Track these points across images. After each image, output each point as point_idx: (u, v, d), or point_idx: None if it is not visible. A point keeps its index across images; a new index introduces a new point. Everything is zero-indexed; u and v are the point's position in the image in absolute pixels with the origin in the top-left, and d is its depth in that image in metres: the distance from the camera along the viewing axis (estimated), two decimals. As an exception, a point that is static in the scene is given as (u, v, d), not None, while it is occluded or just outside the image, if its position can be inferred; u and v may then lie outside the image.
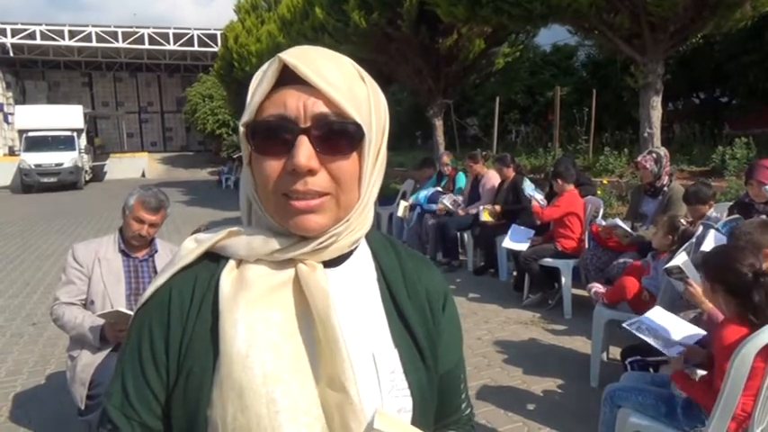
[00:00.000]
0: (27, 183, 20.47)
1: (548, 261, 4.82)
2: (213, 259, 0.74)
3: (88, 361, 2.42)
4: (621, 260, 4.14)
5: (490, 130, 11.88)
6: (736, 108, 11.08)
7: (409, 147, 17.04)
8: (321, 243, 0.71)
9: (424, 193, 7.12)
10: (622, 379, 2.56)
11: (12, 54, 27.49)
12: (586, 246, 4.67)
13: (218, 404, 0.67)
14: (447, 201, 6.57)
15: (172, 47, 29.37)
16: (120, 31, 28.75)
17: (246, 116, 0.70)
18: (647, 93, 6.63)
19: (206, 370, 0.69)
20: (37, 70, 31.37)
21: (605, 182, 7.31)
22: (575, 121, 9.54)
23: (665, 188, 4.44)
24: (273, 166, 0.68)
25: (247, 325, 0.68)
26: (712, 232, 2.98)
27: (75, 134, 21.84)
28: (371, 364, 0.73)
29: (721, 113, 10.80)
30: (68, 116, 22.39)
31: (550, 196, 5.34)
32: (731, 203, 3.98)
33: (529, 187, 5.59)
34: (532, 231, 5.17)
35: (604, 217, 5.10)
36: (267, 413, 0.65)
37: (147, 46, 29.06)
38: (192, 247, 0.75)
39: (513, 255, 5.37)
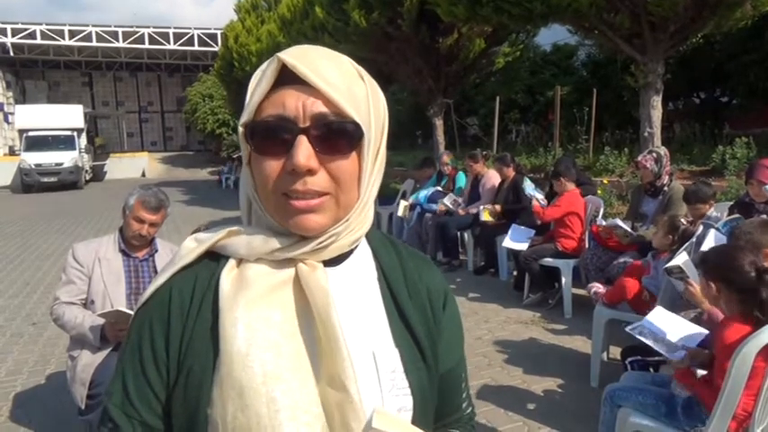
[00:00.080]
0: (27, 182, 20.47)
1: (548, 261, 4.82)
2: (213, 258, 0.74)
3: (88, 361, 2.42)
4: (622, 260, 4.14)
5: (490, 130, 11.89)
6: (736, 107, 11.08)
7: (409, 146, 17.04)
8: (321, 242, 0.71)
9: (423, 193, 7.13)
10: (622, 379, 2.56)
11: (12, 54, 27.49)
12: (587, 245, 4.67)
13: (218, 403, 0.67)
14: (447, 200, 6.57)
15: (172, 46, 29.36)
16: (120, 30, 28.75)
17: (245, 116, 0.70)
18: (648, 92, 6.63)
19: (206, 369, 0.69)
20: (37, 70, 31.37)
21: (605, 181, 7.31)
22: (575, 121, 9.54)
23: (666, 188, 4.44)
24: (273, 165, 0.68)
25: (247, 324, 0.68)
26: (712, 232, 2.98)
27: (75, 134, 21.84)
28: (372, 363, 0.73)
29: (721, 113, 10.81)
30: (68, 116, 22.38)
31: (551, 196, 5.34)
32: (731, 203, 3.98)
33: (529, 187, 5.59)
34: (533, 231, 5.17)
35: (605, 217, 5.11)
36: (267, 412, 0.65)
37: (147, 45, 29.05)
38: (192, 247, 0.75)
39: (514, 254, 5.37)
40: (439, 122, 10.67)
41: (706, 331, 2.29)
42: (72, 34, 28.11)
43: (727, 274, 2.01)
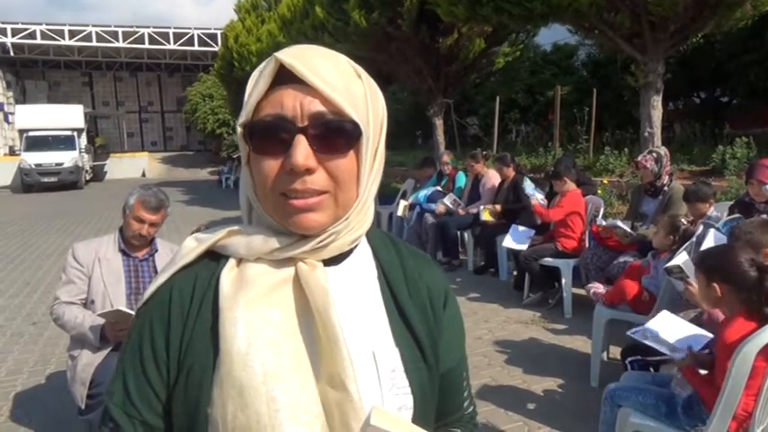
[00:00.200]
0: (27, 182, 20.48)
1: (548, 260, 4.82)
2: (214, 258, 0.74)
3: (88, 360, 2.42)
4: (622, 259, 4.14)
5: (490, 130, 11.89)
6: (736, 107, 11.08)
7: (409, 146, 17.04)
8: (321, 242, 0.71)
9: (423, 193, 7.12)
10: (623, 378, 2.55)
11: (12, 54, 27.50)
12: (587, 245, 4.67)
13: (218, 402, 0.67)
14: (447, 200, 6.57)
15: (172, 46, 29.36)
16: (120, 30, 28.75)
17: (243, 116, 0.70)
18: (648, 92, 6.63)
19: (206, 368, 0.69)
20: (37, 70, 31.37)
21: (606, 181, 7.31)
22: (575, 121, 9.54)
23: (666, 188, 4.44)
24: (272, 165, 0.68)
25: (247, 323, 0.68)
26: (712, 231, 2.98)
27: (75, 134, 21.85)
28: (372, 362, 0.73)
29: (722, 113, 10.80)
30: (69, 116, 22.39)
31: (551, 196, 5.34)
32: (731, 203, 3.98)
33: (529, 187, 5.59)
34: (533, 231, 5.17)
35: (605, 217, 5.11)
36: (267, 411, 0.65)
37: (147, 45, 29.06)
38: (192, 246, 0.75)
39: (514, 254, 5.37)
40: (439, 122, 10.67)
41: (710, 335, 2.28)
42: (72, 34, 28.11)
43: (729, 273, 2.01)
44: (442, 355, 0.81)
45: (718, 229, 3.05)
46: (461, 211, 6.44)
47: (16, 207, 15.45)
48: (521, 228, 5.20)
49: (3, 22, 27.03)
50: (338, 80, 0.68)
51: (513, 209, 5.78)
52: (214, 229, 0.77)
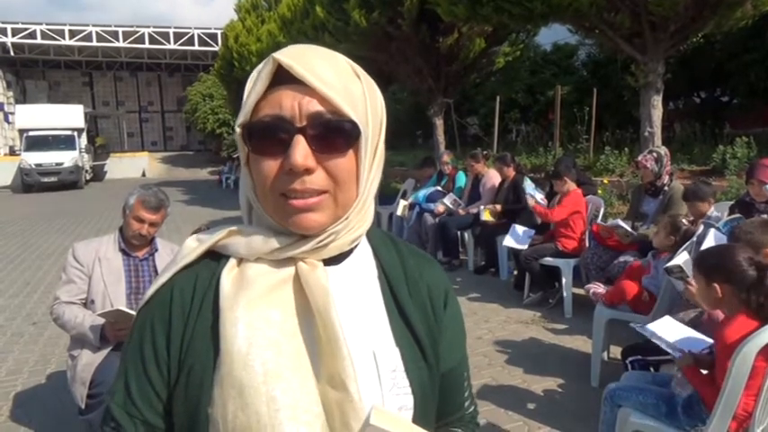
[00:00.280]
0: (27, 182, 20.49)
1: (548, 260, 4.82)
2: (214, 258, 0.75)
3: (89, 360, 2.42)
4: (622, 259, 4.14)
5: (491, 130, 11.88)
6: (736, 107, 11.07)
7: (410, 146, 17.03)
8: (321, 241, 0.71)
9: (422, 192, 7.12)
10: (623, 378, 2.55)
11: (12, 53, 27.51)
12: (587, 245, 4.67)
13: (218, 402, 0.67)
14: (447, 200, 6.57)
15: (172, 46, 29.37)
16: (120, 30, 28.76)
17: (242, 117, 0.70)
18: (648, 92, 6.62)
19: (207, 368, 0.69)
20: (37, 70, 31.38)
21: (606, 181, 7.31)
22: (575, 121, 9.53)
23: (666, 187, 4.44)
24: (271, 166, 0.68)
25: (248, 323, 0.68)
26: (713, 231, 2.98)
27: (75, 134, 21.86)
28: (372, 361, 0.73)
29: (722, 112, 10.79)
30: (69, 116, 22.40)
31: (551, 196, 5.34)
32: (732, 203, 3.98)
33: (529, 186, 5.59)
34: (533, 231, 5.17)
35: (605, 217, 5.10)
36: (267, 411, 0.65)
37: (147, 45, 29.06)
38: (193, 246, 0.76)
39: (514, 254, 5.37)
40: (439, 122, 10.67)
41: (710, 340, 2.27)
42: (72, 34, 28.12)
43: (730, 274, 2.01)
44: (443, 355, 0.81)
45: (718, 228, 3.05)
46: (461, 211, 6.44)
47: (16, 207, 15.45)
48: (521, 228, 5.20)
49: (3, 22, 27.04)
50: (336, 80, 0.68)
51: (514, 209, 5.78)
52: (215, 229, 0.77)
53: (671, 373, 2.39)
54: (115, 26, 28.99)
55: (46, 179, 20.29)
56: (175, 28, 29.52)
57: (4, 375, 3.78)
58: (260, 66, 0.70)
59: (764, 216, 3.24)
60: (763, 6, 6.36)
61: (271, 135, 0.68)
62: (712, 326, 2.35)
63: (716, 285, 2.04)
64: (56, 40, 27.82)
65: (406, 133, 17.65)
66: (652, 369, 2.71)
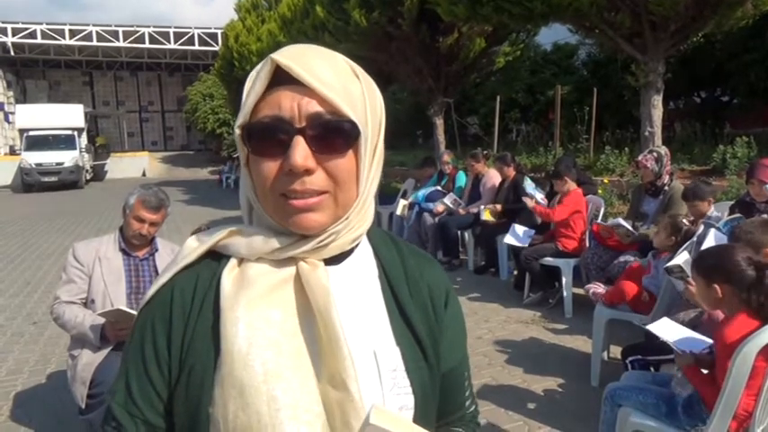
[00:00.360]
0: (28, 182, 20.50)
1: (548, 260, 4.82)
2: (215, 258, 0.75)
3: (89, 360, 2.42)
4: (622, 259, 4.13)
5: (491, 129, 11.88)
6: (736, 107, 11.07)
7: (410, 146, 17.03)
8: (321, 241, 0.71)
9: (422, 192, 7.12)
10: (623, 378, 2.55)
11: (12, 53, 27.52)
12: (587, 245, 4.67)
13: (219, 402, 0.67)
14: (447, 200, 6.57)
15: (172, 46, 29.37)
16: (120, 30, 28.77)
17: (241, 118, 0.70)
18: (648, 91, 6.62)
19: (207, 368, 0.69)
20: (38, 69, 31.38)
21: (606, 181, 7.30)
22: (575, 120, 9.52)
23: (666, 187, 4.44)
24: (270, 166, 0.68)
25: (248, 323, 0.68)
26: (713, 231, 2.98)
27: (75, 133, 21.87)
28: (373, 361, 0.73)
29: (722, 112, 10.79)
30: (69, 115, 22.40)
31: (551, 195, 5.34)
32: (732, 203, 3.97)
33: (530, 186, 5.58)
34: (533, 231, 5.18)
35: (605, 216, 5.10)
36: (268, 411, 0.65)
37: (147, 45, 29.07)
38: (194, 246, 0.76)
39: (514, 254, 5.37)
40: (439, 122, 10.67)
41: (709, 340, 2.27)
42: (72, 34, 28.13)
43: (729, 275, 2.01)
44: (444, 355, 0.81)
45: (718, 228, 3.05)
46: (462, 211, 6.44)
47: (16, 207, 15.46)
48: (521, 228, 5.20)
49: (3, 22, 27.05)
50: (335, 80, 0.68)
51: (514, 208, 5.78)
52: (215, 229, 0.77)
53: (671, 373, 2.39)
54: (115, 26, 29.01)
55: (46, 179, 20.29)
56: (176, 28, 29.53)
57: (4, 375, 3.78)
58: (258, 66, 0.70)
59: (765, 216, 3.24)
60: (764, 6, 6.37)
61: (270, 136, 0.68)
62: (712, 326, 2.34)
63: (716, 286, 2.04)
64: (56, 39, 27.83)
65: (406, 133, 17.65)
66: (652, 369, 2.72)
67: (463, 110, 14.45)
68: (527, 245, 5.04)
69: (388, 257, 0.81)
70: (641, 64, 6.59)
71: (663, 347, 2.35)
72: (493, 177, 6.41)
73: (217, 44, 25.91)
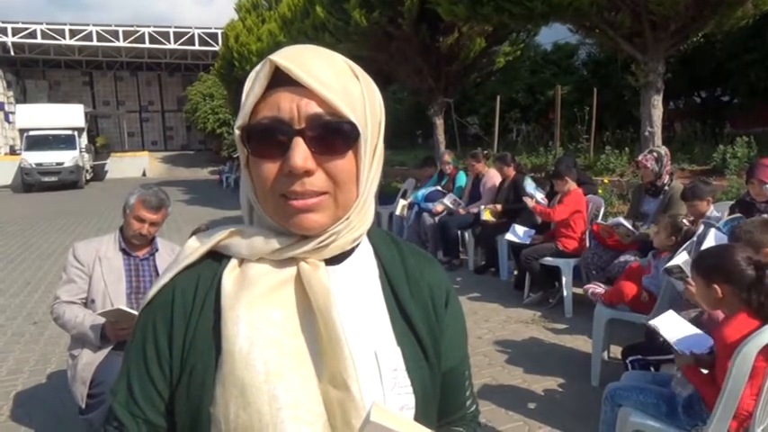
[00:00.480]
0: (28, 182, 20.51)
1: (548, 260, 4.82)
2: (216, 258, 0.75)
3: (89, 360, 2.42)
4: (622, 259, 4.13)
5: (491, 129, 11.87)
6: (737, 107, 11.06)
7: (410, 146, 17.03)
8: (322, 241, 0.71)
9: (421, 192, 7.13)
10: (623, 378, 2.55)
11: (12, 53, 27.52)
12: (587, 245, 4.67)
13: (220, 401, 0.67)
14: (447, 200, 6.58)
15: (172, 46, 29.37)
16: (120, 30, 28.77)
17: (241, 119, 0.70)
18: (648, 91, 6.62)
19: (208, 368, 0.69)
20: (38, 69, 31.38)
21: (606, 181, 7.30)
22: (575, 120, 9.52)
23: (666, 187, 4.44)
24: (270, 168, 0.68)
25: (249, 323, 0.68)
26: (713, 231, 2.97)
27: (75, 133, 21.88)
28: (374, 361, 0.73)
29: (722, 112, 10.79)
30: (69, 115, 22.41)
31: (551, 195, 5.34)
32: (732, 202, 3.97)
33: (530, 186, 5.58)
34: (533, 231, 5.18)
35: (605, 216, 5.10)
36: (269, 410, 0.66)
37: (147, 45, 29.06)
38: (195, 247, 0.76)
39: (514, 253, 5.37)
40: (439, 122, 10.67)
41: (711, 340, 2.27)
42: (72, 34, 28.12)
43: (729, 274, 2.01)
44: (444, 354, 0.81)
45: (718, 228, 3.04)
46: (462, 211, 6.44)
47: (17, 206, 15.46)
48: (521, 228, 5.20)
49: (3, 22, 27.06)
50: (335, 80, 0.68)
51: (514, 208, 5.78)
52: (216, 229, 0.77)
53: (671, 373, 2.39)
54: (115, 26, 29.00)
55: (46, 179, 20.30)
56: (176, 27, 29.53)
57: (4, 375, 3.79)
58: (258, 67, 0.70)
59: (765, 216, 3.23)
60: (764, 6, 6.36)
61: (270, 137, 0.68)
62: (712, 326, 2.34)
63: (716, 286, 2.03)
64: (56, 39, 27.82)
65: (406, 133, 17.65)
66: (652, 369, 2.72)
67: (463, 110, 14.45)
68: (528, 243, 5.05)
69: (388, 257, 0.81)
70: (641, 64, 6.59)
71: (663, 347, 2.35)
72: (493, 177, 6.41)
73: (217, 44, 25.92)
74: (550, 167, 6.48)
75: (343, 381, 0.68)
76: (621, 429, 2.26)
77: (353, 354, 0.68)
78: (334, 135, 0.68)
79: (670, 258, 2.91)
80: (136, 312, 2.16)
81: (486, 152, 7.48)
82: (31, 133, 21.35)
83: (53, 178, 20.36)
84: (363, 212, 0.74)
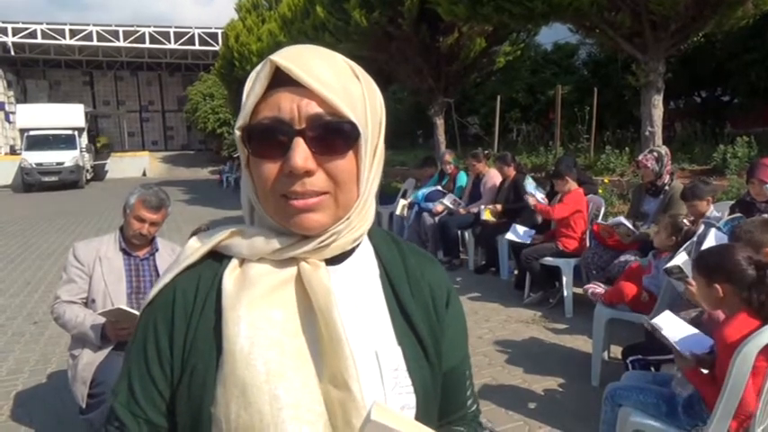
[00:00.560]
0: (28, 182, 20.52)
1: (549, 260, 4.82)
2: (217, 258, 0.75)
3: (89, 360, 2.42)
4: (623, 259, 4.13)
5: (491, 129, 11.87)
6: (737, 107, 11.06)
7: (410, 146, 17.03)
8: (322, 241, 0.71)
9: (421, 192, 7.13)
10: (623, 378, 2.55)
11: (13, 53, 27.54)
12: (588, 245, 4.67)
13: (221, 401, 0.67)
14: (447, 200, 6.58)
15: (173, 46, 29.38)
16: (121, 30, 28.78)
17: (241, 120, 0.70)
18: (649, 91, 6.62)
19: (209, 368, 0.69)
20: (38, 69, 31.40)
21: (606, 181, 7.30)
22: (576, 120, 9.51)
23: (667, 187, 4.44)
24: (271, 168, 0.68)
25: (250, 323, 0.68)
26: (713, 231, 2.97)
27: (76, 133, 21.90)
28: (374, 361, 0.73)
29: (723, 112, 10.78)
30: (69, 115, 22.43)
31: (551, 195, 5.34)
32: (732, 202, 3.97)
33: (531, 185, 5.59)
34: (533, 231, 5.18)
35: (605, 216, 5.10)
36: (270, 410, 0.66)
37: (147, 45, 29.08)
38: (196, 247, 0.76)
39: (515, 253, 5.37)
40: (440, 122, 10.67)
41: (711, 340, 2.27)
42: (73, 33, 28.14)
43: (730, 274, 2.01)
44: (445, 354, 0.82)
45: (719, 228, 3.04)
46: (462, 211, 6.44)
47: (17, 206, 15.46)
48: (522, 228, 5.20)
49: (3, 22, 27.07)
50: (335, 81, 0.68)
51: (514, 208, 5.78)
52: (216, 229, 0.77)
53: (671, 373, 2.39)
54: (116, 26, 29.02)
55: (47, 178, 20.32)
56: (176, 27, 29.54)
57: (4, 375, 3.79)
58: (258, 67, 0.70)
59: (765, 215, 3.23)
60: (764, 6, 6.35)
61: (270, 137, 0.68)
62: (713, 325, 2.34)
63: (716, 285, 2.04)
64: (56, 39, 27.84)
65: (406, 133, 17.64)
66: (652, 368, 2.72)
67: (463, 110, 14.45)
68: (528, 242, 5.05)
69: (389, 257, 0.81)
70: (641, 64, 6.58)
71: (663, 347, 2.35)
72: (493, 177, 6.41)
73: (217, 44, 25.92)
74: (551, 167, 6.48)
75: (343, 380, 0.68)
76: (621, 429, 2.26)
77: (354, 353, 0.69)
78: (334, 135, 0.68)
79: (670, 258, 2.91)
80: (136, 312, 2.17)
81: (486, 152, 7.48)
82: (32, 133, 21.36)
83: (53, 178, 20.38)
84: (364, 212, 0.75)
